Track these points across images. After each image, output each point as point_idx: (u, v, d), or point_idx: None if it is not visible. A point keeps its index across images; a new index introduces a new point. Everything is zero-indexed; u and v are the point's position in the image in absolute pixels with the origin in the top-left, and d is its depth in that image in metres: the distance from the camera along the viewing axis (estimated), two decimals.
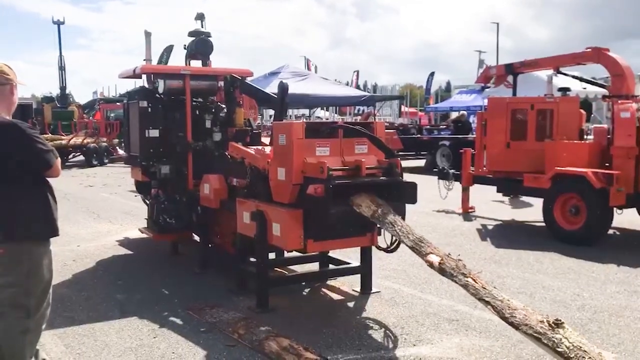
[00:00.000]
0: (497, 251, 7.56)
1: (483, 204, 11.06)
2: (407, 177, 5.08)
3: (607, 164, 8.16)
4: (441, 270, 3.93)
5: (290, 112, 23.28)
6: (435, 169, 13.79)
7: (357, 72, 34.31)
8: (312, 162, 4.73)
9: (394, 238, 4.83)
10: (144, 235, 7.59)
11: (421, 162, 19.22)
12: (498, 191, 11.49)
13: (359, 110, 28.98)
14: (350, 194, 4.67)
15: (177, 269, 6.62)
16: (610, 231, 8.41)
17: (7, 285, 3.42)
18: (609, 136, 8.33)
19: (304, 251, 5.10)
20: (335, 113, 29.36)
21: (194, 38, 7.34)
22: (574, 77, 10.97)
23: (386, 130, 14.80)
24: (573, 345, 3.13)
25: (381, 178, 4.89)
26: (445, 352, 4.25)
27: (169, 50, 7.91)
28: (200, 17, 7.46)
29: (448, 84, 63.33)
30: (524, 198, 11.54)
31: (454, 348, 4.32)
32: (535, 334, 3.28)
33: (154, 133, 6.74)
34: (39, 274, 3.49)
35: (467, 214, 10.28)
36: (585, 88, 14.37)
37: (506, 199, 12.04)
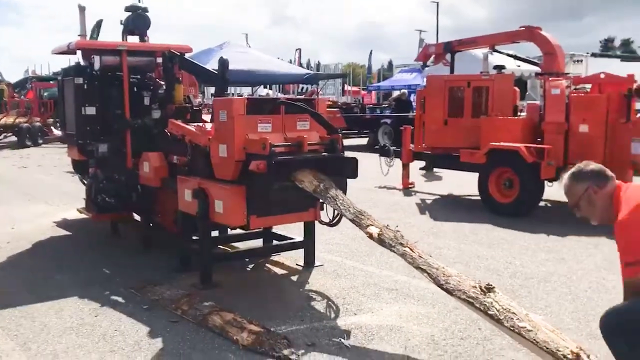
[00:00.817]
0: (435, 224, 7.82)
1: (422, 179, 11.37)
2: (350, 155, 5.17)
3: (539, 139, 8.52)
4: (380, 241, 4.06)
5: (232, 90, 22.95)
6: (377, 147, 14.01)
7: (300, 50, 33.94)
8: (254, 139, 4.74)
9: (336, 212, 4.93)
10: (83, 216, 7.43)
11: (364, 141, 19.49)
12: (435, 167, 11.91)
13: (302, 89, 28.86)
14: (293, 170, 4.72)
15: (118, 249, 6.53)
16: (542, 203, 8.82)
17: None
18: (541, 112, 8.68)
19: (247, 227, 5.12)
20: (279, 92, 29.13)
21: (130, 13, 7.15)
22: (508, 55, 11.34)
23: (329, 109, 14.89)
24: (503, 308, 3.33)
25: (323, 154, 4.97)
26: (384, 319, 4.41)
27: (98, 24, 7.59)
28: None
29: (390, 63, 63.84)
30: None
31: (393, 315, 4.48)
32: (468, 299, 3.46)
33: (91, 110, 6.58)
34: None
35: (407, 189, 10.54)
36: (519, 66, 14.84)
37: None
